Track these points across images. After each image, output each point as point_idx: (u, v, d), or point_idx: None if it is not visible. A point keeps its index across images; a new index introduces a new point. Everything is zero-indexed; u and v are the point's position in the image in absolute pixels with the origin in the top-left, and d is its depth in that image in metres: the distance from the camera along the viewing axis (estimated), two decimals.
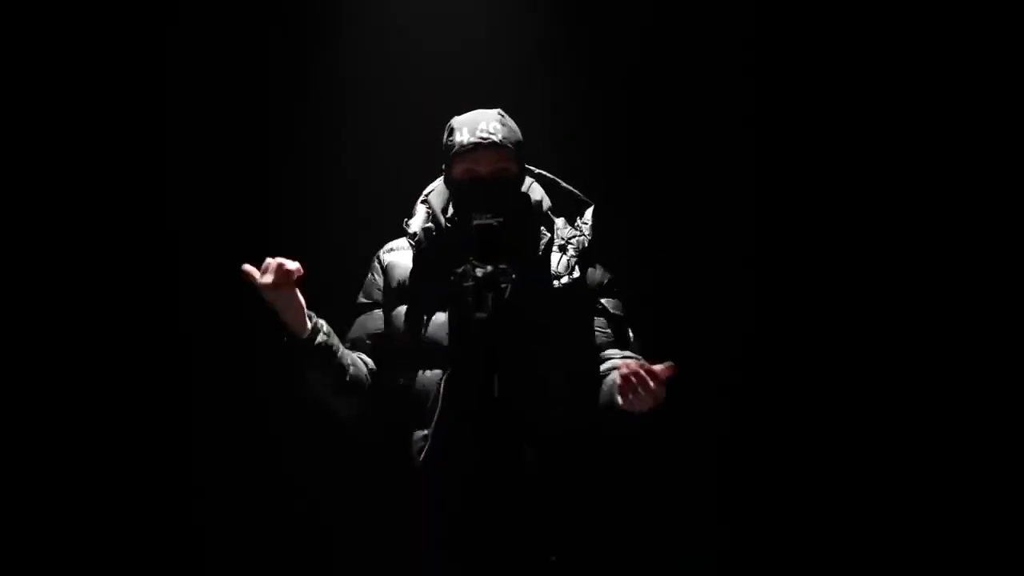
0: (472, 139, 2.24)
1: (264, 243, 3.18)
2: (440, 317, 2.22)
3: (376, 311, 2.32)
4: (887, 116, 3.22)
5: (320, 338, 2.13)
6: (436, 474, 2.15)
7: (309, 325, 2.12)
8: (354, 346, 2.28)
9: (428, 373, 2.20)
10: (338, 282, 2.49)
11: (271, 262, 2.07)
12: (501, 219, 2.17)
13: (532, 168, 2.42)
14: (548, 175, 2.42)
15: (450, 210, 2.33)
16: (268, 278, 2.06)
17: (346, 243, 2.97)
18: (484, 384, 2.14)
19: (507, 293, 2.17)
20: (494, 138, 2.24)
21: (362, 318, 2.33)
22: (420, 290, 2.27)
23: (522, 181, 2.34)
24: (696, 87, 3.28)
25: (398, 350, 2.25)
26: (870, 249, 3.23)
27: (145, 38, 3.29)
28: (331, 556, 3.19)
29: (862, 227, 3.22)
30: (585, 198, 2.40)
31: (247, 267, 2.10)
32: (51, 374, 3.28)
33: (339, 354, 2.18)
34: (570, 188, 2.41)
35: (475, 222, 2.17)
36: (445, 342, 2.20)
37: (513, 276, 2.19)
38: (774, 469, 3.25)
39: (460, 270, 2.20)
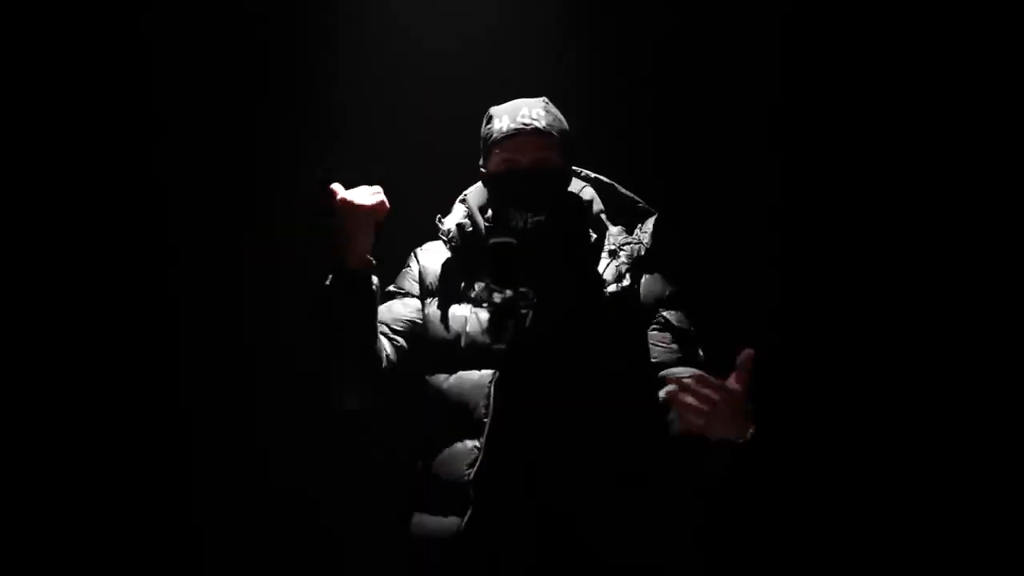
0: (513, 125, 2.03)
1: (265, 243, 3.29)
2: (473, 322, 2.01)
3: (408, 299, 2.11)
4: (921, 114, 3.20)
5: (375, 280, 1.98)
6: (487, 488, 1.92)
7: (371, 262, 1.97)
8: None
9: (466, 377, 1.97)
10: None
11: (370, 188, 1.94)
12: (539, 220, 2.00)
13: (589, 172, 2.23)
14: (604, 179, 2.22)
15: (489, 210, 2.13)
16: (367, 199, 1.92)
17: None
18: (517, 413, 1.92)
19: (528, 320, 1.94)
20: (537, 124, 2.03)
21: (391, 303, 2.10)
22: (451, 291, 2.07)
23: (568, 177, 2.12)
24: (712, 91, 3.27)
25: (428, 352, 2.05)
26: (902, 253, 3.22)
27: (138, 37, 3.29)
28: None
29: (895, 231, 3.21)
30: (647, 206, 2.18)
31: (335, 186, 1.94)
32: (47, 376, 3.27)
33: (375, 314, 1.99)
34: (631, 195, 2.19)
35: (491, 241, 1.98)
36: (480, 347, 1.99)
37: (534, 300, 1.95)
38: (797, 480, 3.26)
39: (474, 294, 2.02)
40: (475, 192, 2.17)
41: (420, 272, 2.14)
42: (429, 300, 2.09)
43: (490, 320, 1.96)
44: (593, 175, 2.22)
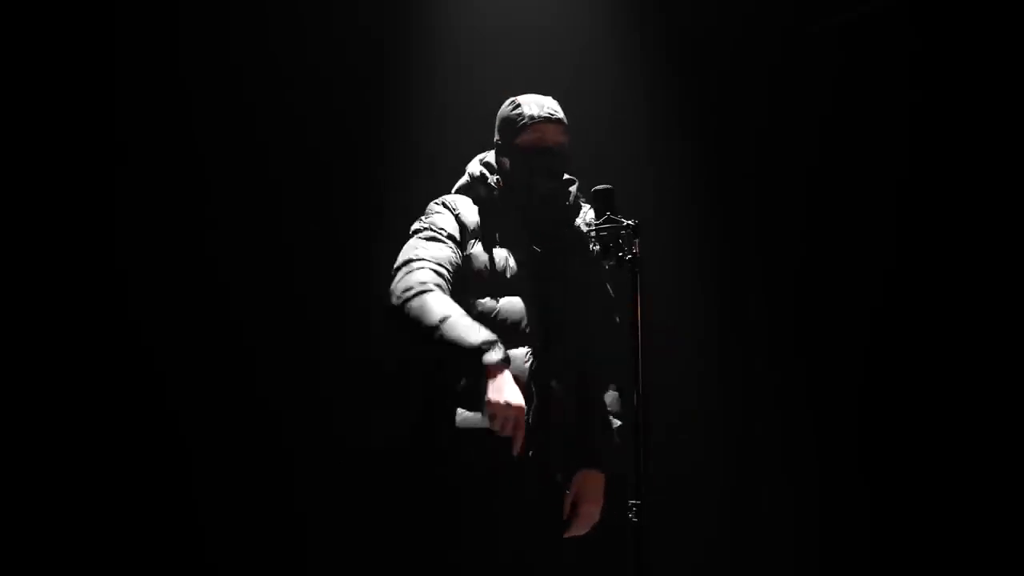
0: (543, 113, 2.64)
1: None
2: (511, 260, 2.58)
3: (451, 242, 2.59)
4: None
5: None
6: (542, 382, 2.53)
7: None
8: (432, 266, 2.52)
9: (513, 301, 2.56)
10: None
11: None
12: (555, 186, 2.63)
13: None
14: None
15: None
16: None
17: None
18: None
19: (634, 248, 2.37)
20: (559, 114, 2.65)
21: (439, 245, 2.57)
22: (491, 237, 2.61)
23: (570, 156, 2.70)
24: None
25: (474, 283, 2.58)
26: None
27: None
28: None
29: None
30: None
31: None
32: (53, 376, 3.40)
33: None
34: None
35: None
36: (518, 279, 2.57)
37: (632, 230, 2.41)
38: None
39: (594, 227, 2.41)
40: (492, 158, 2.72)
41: (459, 221, 2.63)
42: (472, 243, 2.61)
43: (600, 243, 2.38)
44: None
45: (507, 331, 2.50)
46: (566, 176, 2.70)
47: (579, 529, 2.61)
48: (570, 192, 2.70)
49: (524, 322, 2.55)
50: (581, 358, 2.62)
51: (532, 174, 2.63)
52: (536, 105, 2.64)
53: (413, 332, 2.42)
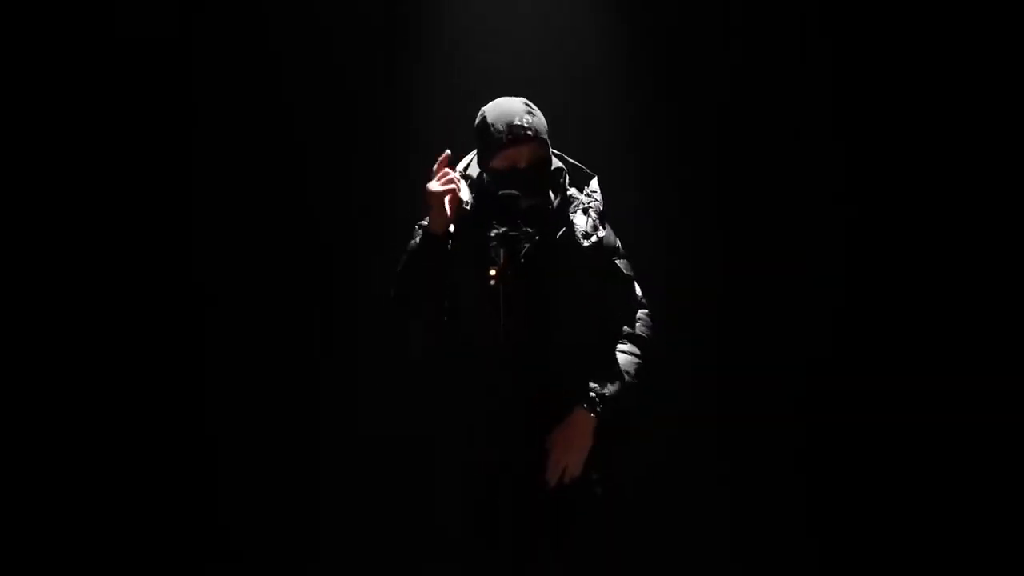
0: (510, 135, 2.47)
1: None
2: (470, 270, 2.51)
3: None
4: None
5: (448, 246, 2.49)
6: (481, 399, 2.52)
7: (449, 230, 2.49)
8: None
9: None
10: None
11: (445, 172, 2.47)
12: (533, 204, 2.51)
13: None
14: (556, 152, 2.62)
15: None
16: (437, 187, 2.45)
17: None
18: (502, 328, 2.46)
19: (524, 252, 2.47)
20: (530, 133, 2.48)
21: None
22: (460, 247, 2.52)
23: (551, 163, 2.58)
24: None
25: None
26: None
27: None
28: None
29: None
30: (589, 170, 2.64)
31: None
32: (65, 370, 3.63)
33: (440, 268, 2.49)
34: (575, 162, 2.65)
35: (500, 192, 2.48)
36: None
37: (536, 237, 2.50)
38: None
39: (492, 233, 2.49)
40: (474, 167, 2.63)
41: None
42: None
43: (494, 249, 2.49)
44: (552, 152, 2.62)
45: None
46: (555, 165, 2.60)
47: (551, 476, 2.48)
48: (557, 186, 2.60)
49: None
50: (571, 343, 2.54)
51: (508, 193, 2.51)
52: (504, 123, 2.48)
53: (399, 296, 2.55)
